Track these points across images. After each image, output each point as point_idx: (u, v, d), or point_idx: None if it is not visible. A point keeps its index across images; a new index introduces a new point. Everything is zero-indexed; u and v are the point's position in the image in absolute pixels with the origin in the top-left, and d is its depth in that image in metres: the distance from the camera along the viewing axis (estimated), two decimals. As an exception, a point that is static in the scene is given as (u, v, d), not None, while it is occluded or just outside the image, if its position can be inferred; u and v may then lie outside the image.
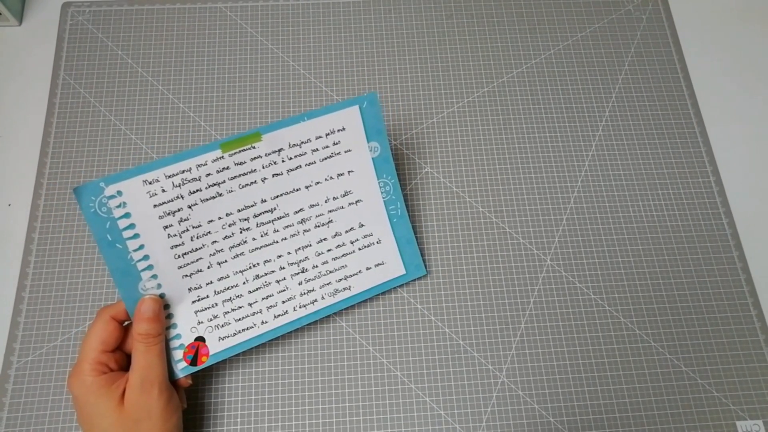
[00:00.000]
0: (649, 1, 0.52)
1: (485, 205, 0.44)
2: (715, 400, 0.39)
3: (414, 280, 0.41)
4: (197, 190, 0.35)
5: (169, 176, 0.34)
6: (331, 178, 0.38)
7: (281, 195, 0.37)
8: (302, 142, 0.36)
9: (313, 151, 0.37)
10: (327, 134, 0.37)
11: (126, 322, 0.35)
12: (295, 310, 0.38)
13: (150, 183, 0.33)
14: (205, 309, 0.36)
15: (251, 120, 0.46)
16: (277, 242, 0.38)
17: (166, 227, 0.34)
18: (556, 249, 0.43)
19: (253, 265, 0.37)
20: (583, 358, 0.40)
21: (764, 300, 0.42)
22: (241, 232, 0.37)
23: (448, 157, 0.46)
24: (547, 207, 0.44)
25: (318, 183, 0.38)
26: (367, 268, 0.40)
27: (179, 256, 0.35)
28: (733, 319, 0.41)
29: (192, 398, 0.38)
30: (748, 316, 0.42)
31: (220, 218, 0.36)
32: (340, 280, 0.39)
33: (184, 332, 0.36)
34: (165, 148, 0.45)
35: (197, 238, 0.35)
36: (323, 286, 0.39)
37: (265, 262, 0.37)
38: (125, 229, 0.34)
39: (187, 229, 0.35)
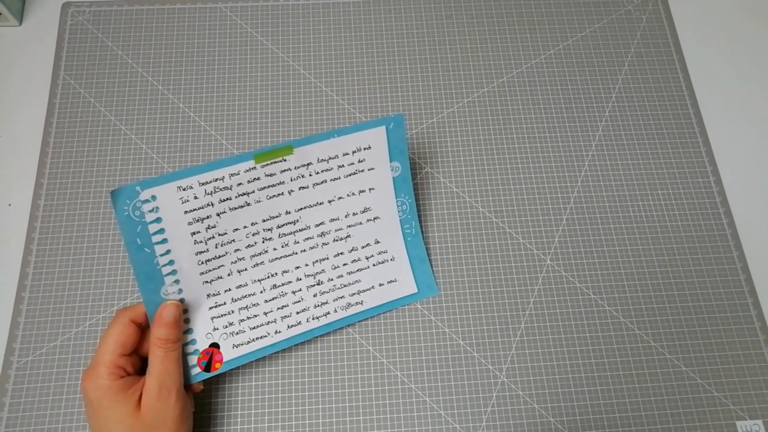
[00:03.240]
0: (649, 2, 0.52)
1: (485, 205, 0.44)
2: (715, 400, 0.39)
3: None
4: (227, 199, 0.35)
5: (203, 184, 0.34)
6: (353, 194, 0.38)
7: (305, 208, 0.37)
8: (330, 158, 0.37)
9: (339, 167, 0.37)
10: (354, 151, 0.37)
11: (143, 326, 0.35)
12: (308, 321, 0.38)
13: (184, 189, 0.34)
14: (222, 316, 0.37)
15: (251, 120, 0.46)
16: (296, 253, 0.38)
17: (194, 233, 0.35)
18: (556, 249, 0.43)
19: (272, 275, 0.38)
20: (583, 358, 0.40)
21: (764, 300, 0.42)
22: (263, 242, 0.37)
23: (448, 157, 0.46)
24: (547, 207, 0.44)
25: (340, 198, 0.38)
26: (380, 285, 0.40)
27: (202, 263, 0.35)
28: (732, 319, 0.41)
29: (194, 398, 0.38)
30: (748, 316, 0.42)
31: (245, 227, 0.36)
32: (354, 294, 0.40)
33: (199, 338, 0.36)
34: (165, 148, 0.45)
35: (221, 245, 0.36)
36: (337, 299, 0.39)
37: (283, 272, 0.38)
38: (155, 233, 0.34)
39: (213, 237, 0.35)
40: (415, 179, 0.45)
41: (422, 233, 0.42)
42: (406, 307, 0.41)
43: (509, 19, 0.51)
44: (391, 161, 0.39)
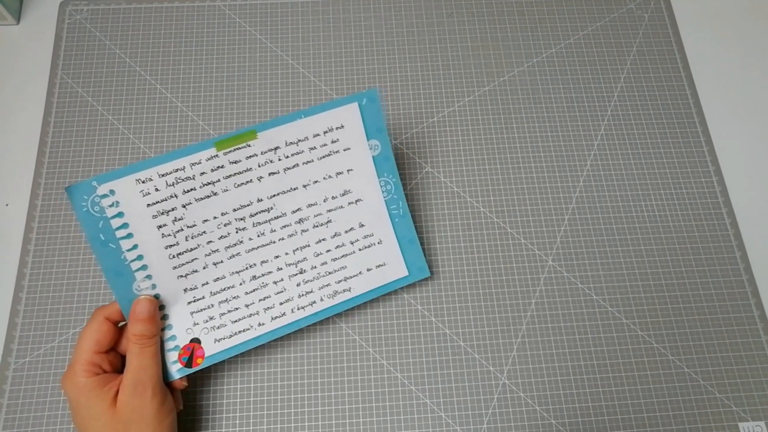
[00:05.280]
0: (651, 0, 0.51)
1: (486, 205, 0.44)
2: (717, 401, 0.39)
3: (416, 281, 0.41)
4: (191, 189, 0.34)
5: (163, 175, 0.33)
6: (330, 177, 0.37)
7: (278, 194, 0.36)
8: (299, 140, 0.36)
9: (311, 149, 0.36)
10: (325, 132, 0.36)
11: (121, 323, 0.35)
12: (293, 311, 0.37)
13: (143, 182, 0.33)
14: (201, 310, 0.36)
15: (250, 118, 0.46)
16: (274, 242, 0.37)
17: (160, 227, 0.34)
18: (558, 249, 0.43)
19: (250, 266, 0.37)
20: (584, 360, 0.40)
21: (767, 300, 0.42)
22: (237, 232, 0.36)
23: (449, 157, 0.45)
24: (548, 207, 0.44)
25: (316, 182, 0.37)
26: (368, 270, 0.39)
27: (174, 256, 0.35)
28: (735, 319, 0.41)
29: (190, 400, 0.38)
30: (750, 317, 0.41)
31: (215, 218, 0.35)
32: (340, 281, 0.38)
33: (179, 333, 0.36)
34: (163, 147, 0.45)
35: (192, 238, 0.35)
36: (322, 287, 0.38)
37: (262, 262, 0.37)
38: (118, 228, 0.33)
39: (182, 229, 0.35)
40: (415, 179, 0.45)
41: (411, 215, 0.40)
42: (407, 308, 0.41)
43: (510, 18, 0.51)
44: (369, 139, 0.37)
